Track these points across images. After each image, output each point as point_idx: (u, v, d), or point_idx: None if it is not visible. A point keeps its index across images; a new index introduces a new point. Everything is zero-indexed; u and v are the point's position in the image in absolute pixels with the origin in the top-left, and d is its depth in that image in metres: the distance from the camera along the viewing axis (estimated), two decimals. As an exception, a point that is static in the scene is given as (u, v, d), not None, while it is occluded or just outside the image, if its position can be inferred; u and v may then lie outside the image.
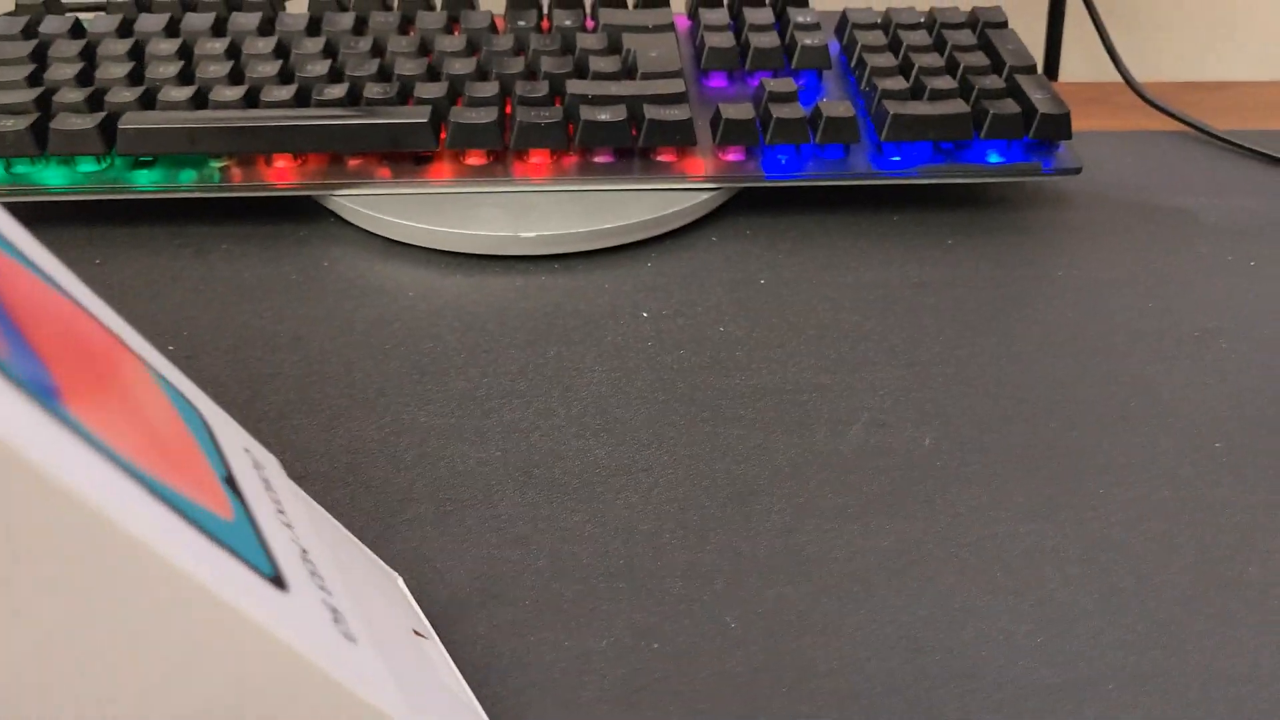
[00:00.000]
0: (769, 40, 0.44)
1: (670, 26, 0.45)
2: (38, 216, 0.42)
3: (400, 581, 0.27)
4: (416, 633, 0.24)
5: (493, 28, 0.45)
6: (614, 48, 0.44)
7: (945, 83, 0.41)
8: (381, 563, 0.27)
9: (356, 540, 0.26)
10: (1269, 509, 0.30)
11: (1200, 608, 0.27)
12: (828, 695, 0.25)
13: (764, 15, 0.45)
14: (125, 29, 0.44)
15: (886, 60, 0.43)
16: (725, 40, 0.44)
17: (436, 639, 0.25)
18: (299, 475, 0.31)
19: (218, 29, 0.44)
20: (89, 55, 0.43)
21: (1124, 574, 0.28)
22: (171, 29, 0.44)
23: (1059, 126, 0.41)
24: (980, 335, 0.37)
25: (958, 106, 0.41)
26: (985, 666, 0.25)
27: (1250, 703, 0.25)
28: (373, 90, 0.41)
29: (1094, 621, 0.27)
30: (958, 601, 0.27)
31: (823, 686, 0.25)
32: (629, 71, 0.43)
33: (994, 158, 0.42)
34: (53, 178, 0.40)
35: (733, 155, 0.41)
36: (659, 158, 0.41)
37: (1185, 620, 0.27)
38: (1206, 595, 0.27)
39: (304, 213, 0.42)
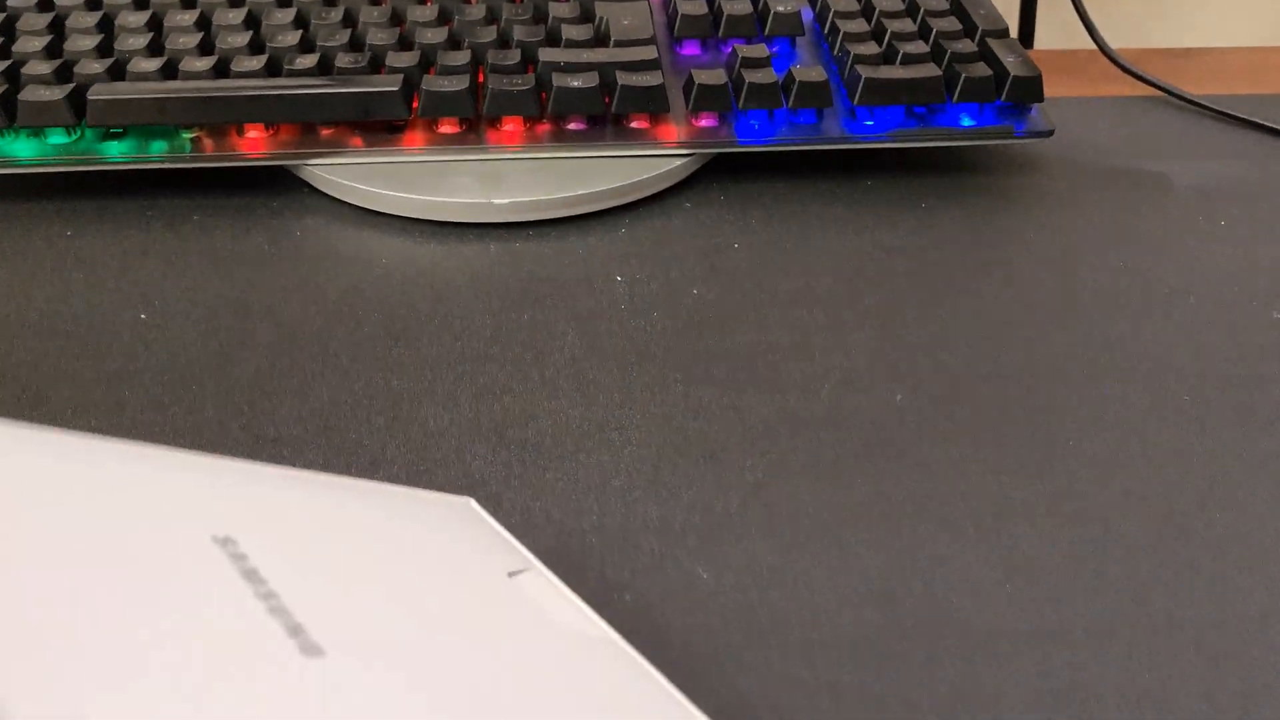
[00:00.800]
0: (742, 7, 0.44)
1: (643, -6, 0.45)
2: (7, 190, 0.41)
3: (474, 504, 0.26)
4: (513, 572, 0.23)
5: (465, -3, 0.45)
6: (586, 16, 0.44)
7: (917, 47, 0.41)
8: (446, 498, 0.26)
9: (409, 492, 0.25)
10: (1236, 460, 0.30)
11: (1167, 557, 0.27)
12: (799, 646, 0.25)
13: (737, -17, 0.45)
14: (94, 1, 0.44)
15: (859, 26, 0.43)
16: (698, 8, 0.44)
17: (537, 565, 0.24)
18: (271, 438, 0.31)
19: (187, 1, 0.44)
20: (57, 27, 0.42)
21: (1092, 525, 0.28)
22: (141, 1, 0.44)
23: (1031, 89, 0.41)
24: (952, 297, 0.37)
25: (930, 70, 0.41)
26: (955, 615, 0.26)
27: (1216, 649, 0.25)
28: (344, 60, 0.41)
29: (1062, 571, 0.27)
30: (928, 552, 0.27)
31: (794, 637, 0.25)
32: (601, 39, 0.43)
33: (966, 121, 0.42)
34: (22, 150, 0.40)
35: (706, 121, 0.41)
36: (632, 124, 0.41)
37: (1152, 569, 0.27)
38: (1173, 545, 0.28)
39: (276, 183, 0.42)
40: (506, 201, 0.39)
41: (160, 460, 0.21)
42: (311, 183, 0.41)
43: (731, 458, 0.30)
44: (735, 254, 0.39)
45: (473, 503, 0.26)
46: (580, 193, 0.39)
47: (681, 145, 0.41)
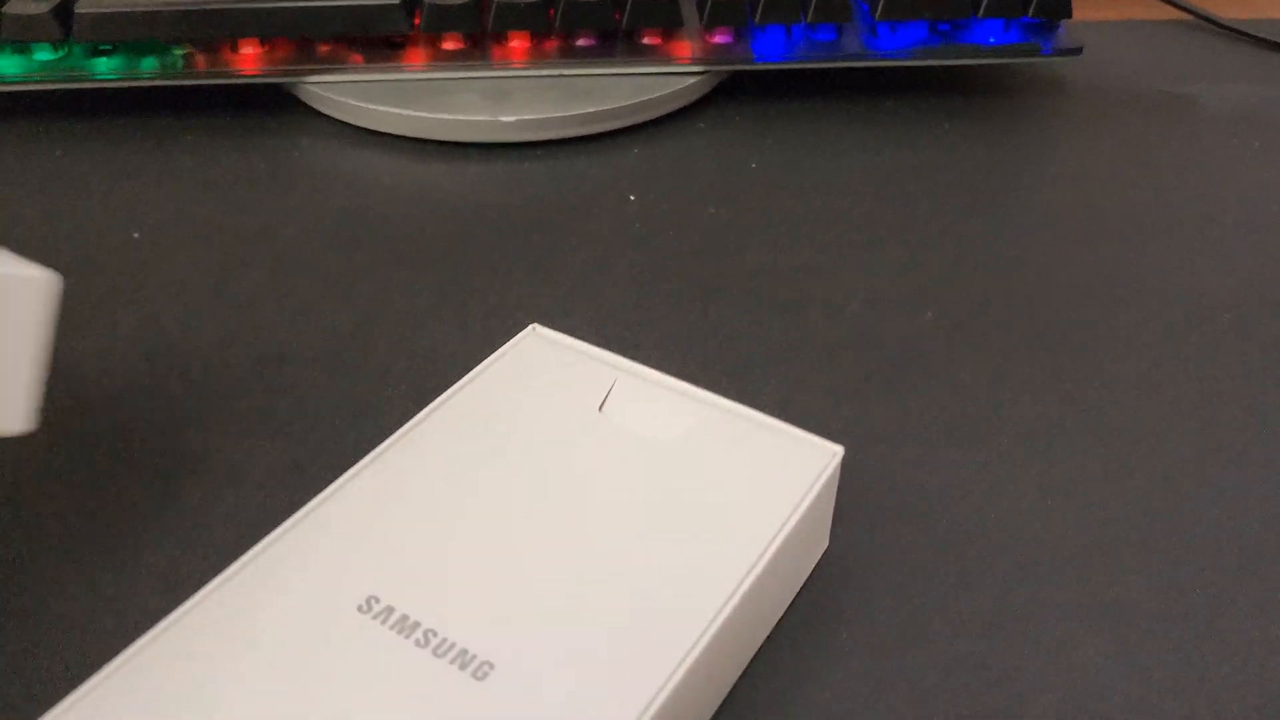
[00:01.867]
0: (757, -79, 0.42)
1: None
2: (-9, 109, 0.40)
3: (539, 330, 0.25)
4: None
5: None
6: (595, -71, 0.42)
7: (941, -40, 0.40)
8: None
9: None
10: (1274, 380, 0.29)
11: (1207, 476, 0.26)
12: (828, 561, 0.24)
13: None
14: (78, -87, 0.42)
15: (880, -60, 0.41)
16: (711, -78, 0.42)
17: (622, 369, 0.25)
18: (275, 357, 0.29)
19: (177, -87, 0.42)
20: (40, -61, 0.40)
21: (1130, 444, 0.27)
22: (128, -87, 0.42)
23: (1059, 4, 0.39)
24: (978, 217, 0.35)
25: (954, -16, 0.39)
26: (991, 531, 0.24)
27: (1258, 566, 0.24)
28: (342, -28, 0.39)
29: (1100, 489, 0.26)
30: (963, 471, 0.26)
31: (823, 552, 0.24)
32: (611, -47, 0.41)
33: (992, 38, 0.40)
34: (8, 66, 0.38)
35: (720, 37, 0.40)
36: (643, 40, 0.40)
37: (1192, 489, 0.26)
38: (1213, 464, 0.26)
39: (272, 102, 0.40)
40: (513, 120, 0.37)
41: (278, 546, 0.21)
42: (309, 102, 0.40)
43: (753, 376, 0.29)
44: (752, 174, 0.37)
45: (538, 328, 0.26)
46: (590, 110, 0.38)
47: (695, 62, 0.39)
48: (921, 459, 0.26)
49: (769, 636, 0.22)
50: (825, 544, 0.24)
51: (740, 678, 0.21)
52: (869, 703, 0.21)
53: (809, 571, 0.23)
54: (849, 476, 0.26)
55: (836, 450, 0.22)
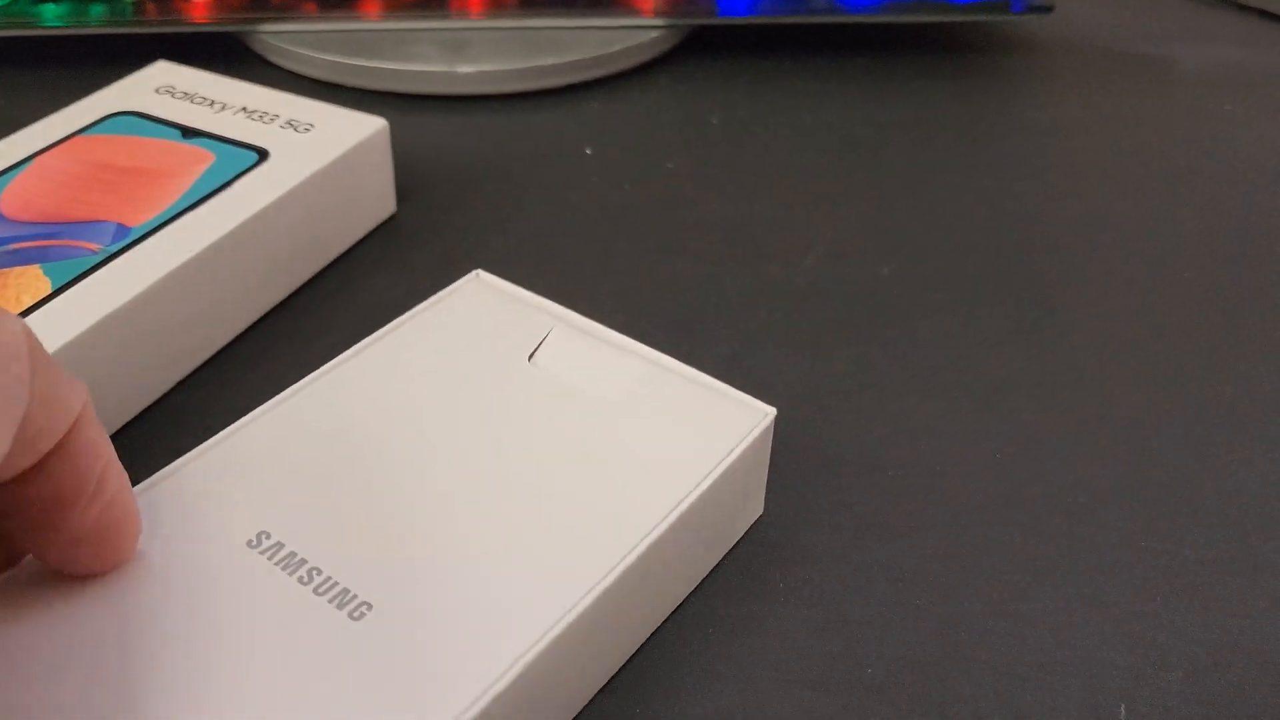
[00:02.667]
0: (725, -127, 0.41)
1: None
2: (-64, 58, 0.39)
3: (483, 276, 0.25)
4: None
5: None
6: (559, -120, 0.41)
7: (911, -86, 0.39)
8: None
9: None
10: (1239, 333, 0.28)
11: (1171, 427, 0.25)
12: (771, 516, 0.23)
13: None
14: None
15: (850, -107, 0.40)
16: (678, -126, 0.41)
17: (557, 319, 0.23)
18: (212, 307, 0.28)
19: None
20: (-13, -117, 0.39)
21: (1091, 396, 0.26)
22: None
23: (1030, -41, 0.38)
24: (945, 172, 0.35)
25: (924, -62, 0.38)
26: (943, 483, 0.24)
27: (1221, 514, 0.23)
28: (297, -81, 0.38)
29: (1060, 441, 0.25)
30: (917, 422, 0.25)
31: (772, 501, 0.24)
32: (575, -96, 0.40)
33: (962, -6, 0.39)
34: (-51, 12, 0.37)
35: (685, -10, 0.39)
36: (606, -8, 0.39)
37: (1155, 439, 0.25)
38: (1178, 415, 0.26)
39: (225, 52, 0.39)
40: (471, 71, 0.36)
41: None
42: (261, 52, 0.39)
43: (708, 327, 0.28)
44: (713, 129, 0.36)
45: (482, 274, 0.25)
46: (549, 63, 0.37)
47: (658, 15, 0.38)
48: (874, 410, 0.26)
49: (700, 587, 0.22)
50: (760, 508, 0.23)
51: (666, 626, 0.21)
52: (804, 649, 0.20)
53: (741, 532, 0.22)
54: (797, 428, 0.25)
55: (768, 411, 0.21)
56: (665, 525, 0.19)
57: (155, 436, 0.24)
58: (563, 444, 0.21)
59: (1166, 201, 0.34)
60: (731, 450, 0.20)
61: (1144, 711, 0.19)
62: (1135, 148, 0.36)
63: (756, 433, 0.21)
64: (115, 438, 0.24)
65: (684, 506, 0.19)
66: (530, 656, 0.17)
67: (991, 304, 0.29)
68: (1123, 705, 0.20)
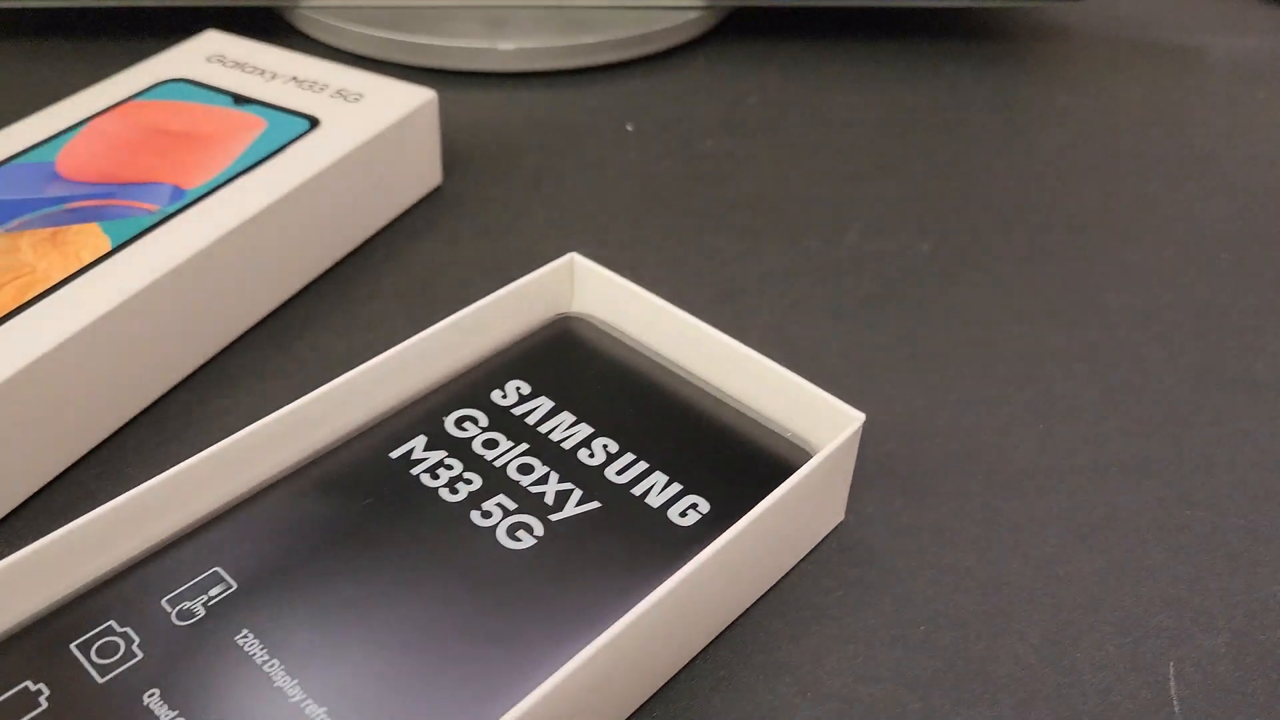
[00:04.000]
0: None
1: None
2: (-19, 29, 0.39)
3: None
4: None
5: None
6: None
7: (948, -100, 0.39)
8: None
9: None
10: (1273, 315, 0.29)
11: (1205, 403, 0.26)
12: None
13: None
14: None
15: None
16: None
17: None
18: (260, 272, 0.29)
19: None
20: None
21: (1128, 371, 0.27)
22: None
23: (1066, -54, 0.39)
24: (978, 154, 0.35)
25: (960, -76, 0.38)
26: (985, 450, 0.24)
27: (1263, 485, 0.24)
28: (339, -104, 0.38)
29: (1096, 413, 0.25)
30: (957, 392, 0.26)
31: (814, 473, 0.24)
32: (613, -115, 0.40)
33: (997, -20, 0.39)
34: (-5, -17, 0.38)
35: (722, -28, 0.39)
36: (644, -27, 0.39)
37: (1189, 415, 0.25)
38: (1211, 392, 0.26)
39: (267, 26, 0.39)
40: (511, 47, 0.37)
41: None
42: (302, 28, 0.39)
43: (749, 298, 0.28)
44: (751, 109, 0.37)
45: None
46: (589, 41, 0.37)
47: (697, -4, 0.39)
48: (915, 381, 0.26)
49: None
50: (842, 514, 0.22)
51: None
52: (853, 605, 0.21)
53: (821, 536, 0.22)
54: (840, 397, 0.26)
55: (857, 416, 0.21)
56: (744, 524, 0.19)
57: (209, 396, 0.25)
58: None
59: (1199, 185, 0.34)
60: (817, 454, 0.20)
61: (1191, 672, 0.20)
62: (1167, 133, 0.37)
63: (843, 438, 0.21)
64: (168, 397, 0.25)
65: (764, 507, 0.19)
66: (608, 643, 0.17)
67: (1029, 282, 0.29)
68: (1171, 664, 0.20)
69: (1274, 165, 0.35)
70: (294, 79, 0.31)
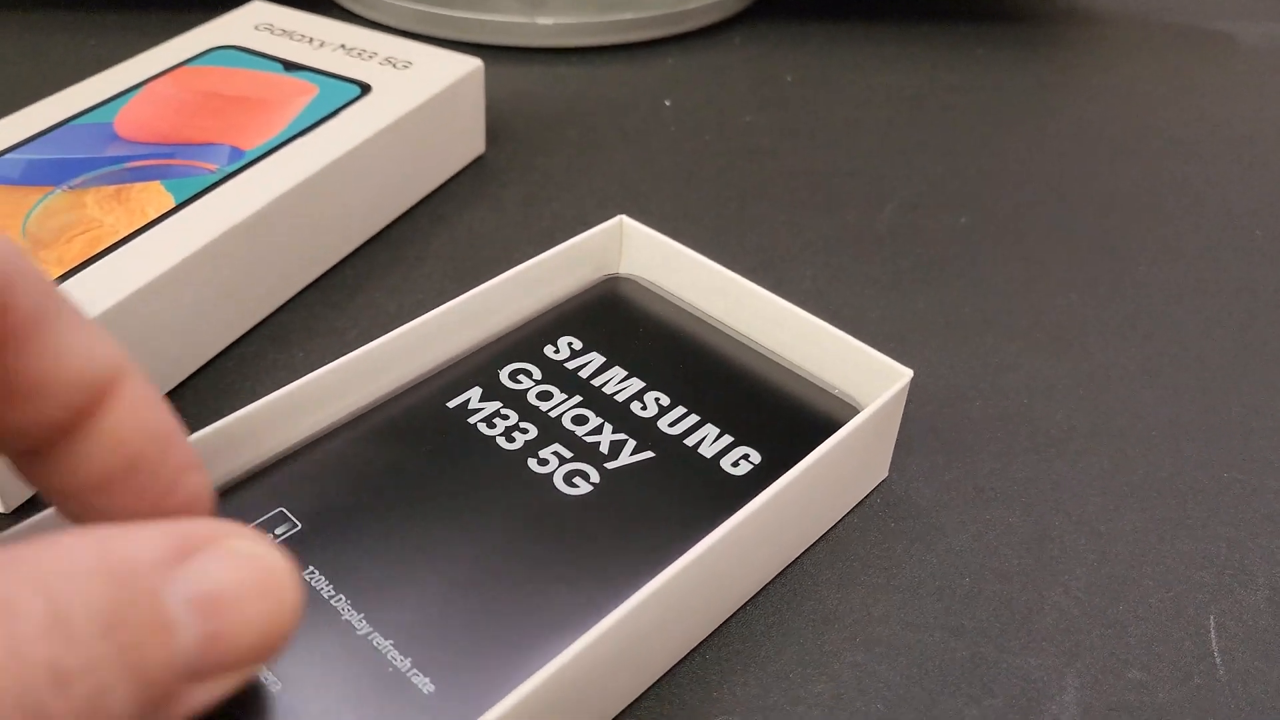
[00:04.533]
0: None
1: None
2: (34, 1, 0.40)
3: None
4: None
5: None
6: None
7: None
8: None
9: None
10: (1311, 291, 0.29)
11: (1242, 372, 0.26)
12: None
13: None
14: None
15: None
16: None
17: None
18: (310, 236, 0.29)
19: None
20: None
21: (1165, 340, 0.27)
22: None
23: (1100, -70, 0.39)
24: (1014, 133, 0.35)
25: (996, -94, 0.39)
26: (1026, 413, 0.25)
27: (1294, 455, 0.24)
28: (382, -128, 0.39)
29: (1135, 379, 0.26)
30: (997, 358, 0.26)
31: (857, 434, 0.24)
32: None
33: (1031, -37, 0.40)
34: (43, -46, 0.38)
35: (760, -49, 0.39)
36: (683, -49, 0.39)
37: (1227, 382, 0.26)
38: (1249, 361, 0.27)
39: (304, 3, 0.40)
40: (551, 23, 0.37)
41: None
42: (343, 3, 0.40)
43: (791, 266, 0.29)
44: (788, 86, 0.37)
45: None
46: (627, 18, 0.38)
47: (734, -25, 0.39)
48: (956, 346, 0.27)
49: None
50: (885, 471, 0.23)
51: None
52: (900, 559, 0.21)
53: (866, 491, 0.23)
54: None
55: (905, 373, 0.21)
56: (797, 472, 0.19)
57: (265, 350, 0.25)
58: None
59: (1231, 166, 0.34)
60: (867, 408, 0.21)
61: (1230, 625, 0.20)
62: (1198, 115, 0.37)
63: (893, 391, 0.21)
64: (227, 351, 0.25)
65: (816, 456, 0.20)
66: (663, 586, 0.17)
67: (1064, 255, 0.30)
68: (1211, 617, 0.20)
69: (1305, 147, 0.35)
70: (343, 46, 0.31)
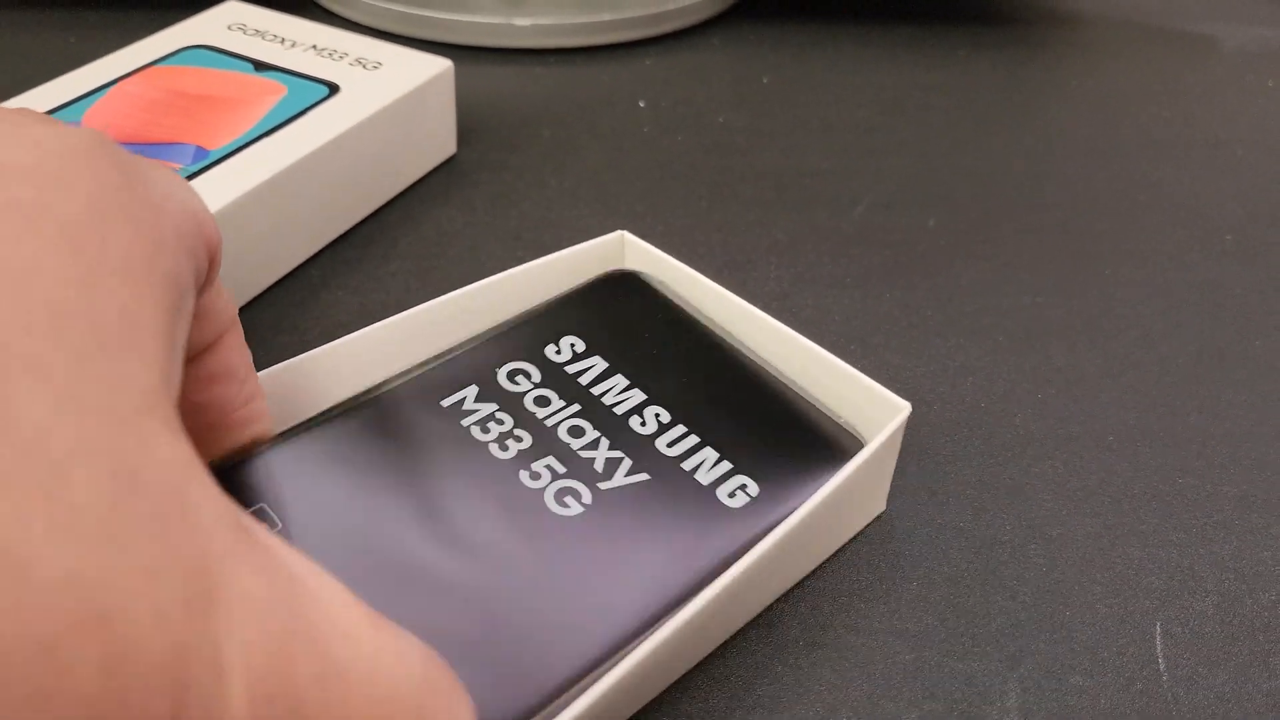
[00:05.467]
0: None
1: None
2: (9, -3, 0.40)
3: None
4: None
5: None
6: None
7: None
8: None
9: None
10: (1276, 294, 0.29)
11: (1203, 376, 0.26)
12: (820, 443, 0.24)
13: None
14: None
15: None
16: None
17: None
18: (278, 235, 0.29)
19: None
20: None
21: (1129, 344, 0.27)
22: None
23: (1081, -69, 0.39)
24: (990, 133, 0.35)
25: (976, -93, 0.39)
26: (983, 417, 0.25)
27: (1257, 456, 0.24)
28: (362, -128, 0.39)
29: (1096, 384, 0.26)
30: (958, 361, 0.26)
31: (815, 436, 0.24)
32: None
33: (1011, -36, 0.40)
34: (24, -48, 0.38)
35: (739, -49, 0.39)
36: (661, -49, 0.39)
37: (1188, 387, 0.26)
38: (1210, 365, 0.26)
39: (281, 2, 0.40)
40: (528, 23, 0.37)
41: None
42: (320, 2, 0.40)
43: (758, 268, 0.29)
44: (765, 87, 0.37)
45: None
46: (605, 19, 0.38)
47: (712, -25, 0.39)
48: (918, 349, 0.26)
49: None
50: (883, 505, 0.22)
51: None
52: (850, 559, 0.21)
53: (859, 527, 0.22)
54: (845, 360, 0.26)
55: (903, 406, 0.21)
56: (794, 522, 0.19)
57: (227, 349, 0.26)
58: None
59: (1207, 170, 0.34)
60: (865, 445, 0.20)
61: (1177, 632, 0.20)
62: (1176, 118, 0.37)
63: (890, 429, 0.20)
64: (189, 349, 0.25)
65: (815, 501, 0.19)
66: (653, 641, 0.17)
67: (1031, 257, 0.30)
68: (1158, 624, 0.20)
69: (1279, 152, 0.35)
70: (313, 47, 0.31)
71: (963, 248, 0.30)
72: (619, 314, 0.23)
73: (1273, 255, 0.30)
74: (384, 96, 0.29)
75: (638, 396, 0.22)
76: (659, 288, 0.24)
